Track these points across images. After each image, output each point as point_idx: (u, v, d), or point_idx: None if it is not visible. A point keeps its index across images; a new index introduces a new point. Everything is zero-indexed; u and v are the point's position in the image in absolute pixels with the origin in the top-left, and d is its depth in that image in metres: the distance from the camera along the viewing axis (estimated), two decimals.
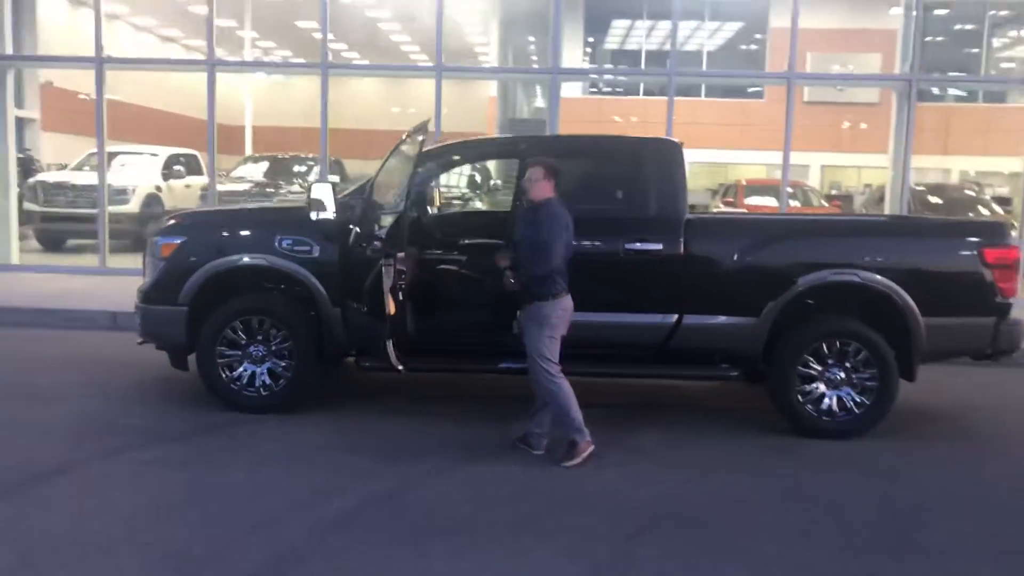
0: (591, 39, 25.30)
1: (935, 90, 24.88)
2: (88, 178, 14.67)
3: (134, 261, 7.68)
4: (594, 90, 26.97)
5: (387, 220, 5.49)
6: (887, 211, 12.76)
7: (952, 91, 25.95)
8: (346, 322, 5.67)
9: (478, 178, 14.65)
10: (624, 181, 5.88)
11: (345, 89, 29.30)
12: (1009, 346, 5.83)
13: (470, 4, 21.82)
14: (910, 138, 11.43)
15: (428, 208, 6.70)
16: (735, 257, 5.72)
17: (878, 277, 5.64)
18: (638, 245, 5.69)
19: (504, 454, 5.16)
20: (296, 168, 17.23)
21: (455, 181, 13.59)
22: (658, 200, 5.80)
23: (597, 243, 5.62)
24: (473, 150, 6.75)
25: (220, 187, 15.78)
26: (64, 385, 6.43)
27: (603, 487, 4.69)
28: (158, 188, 15.41)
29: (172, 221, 6.20)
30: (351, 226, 5.59)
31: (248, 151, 22.35)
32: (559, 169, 5.02)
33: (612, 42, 26.28)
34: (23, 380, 6.57)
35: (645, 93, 22.21)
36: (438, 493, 4.55)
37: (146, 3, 23.78)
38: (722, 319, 5.73)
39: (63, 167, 17.07)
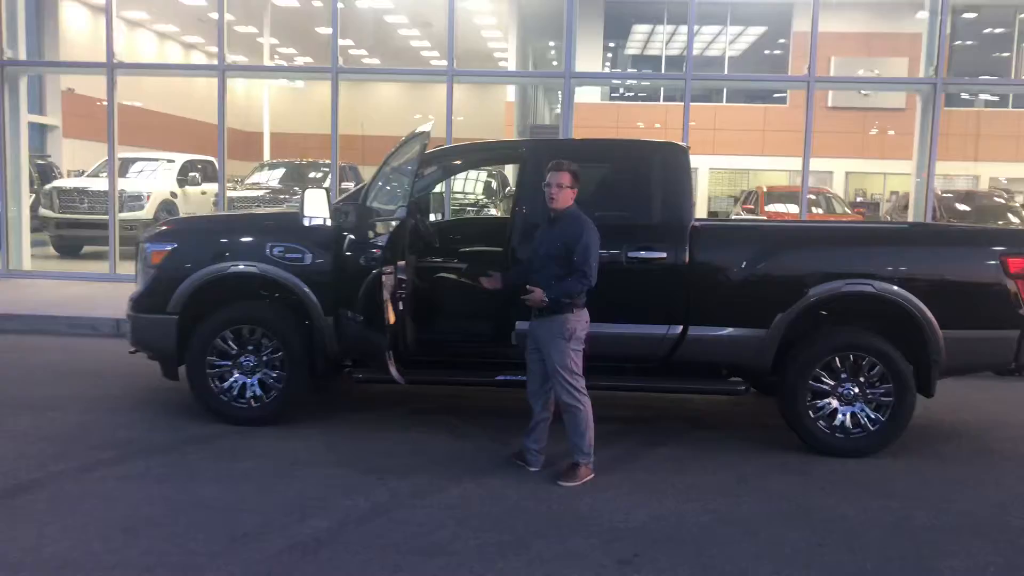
0: (611, 44, 25.09)
1: (964, 95, 24.42)
2: (104, 184, 14.70)
3: None
4: (616, 95, 26.76)
5: (382, 227, 5.33)
6: (911, 219, 12.40)
7: (983, 96, 25.40)
8: (339, 332, 5.51)
9: (479, 184, 14.46)
10: (628, 187, 5.67)
11: (365, 95, 29.35)
12: None
13: (488, 8, 21.72)
14: (935, 143, 11.10)
15: (424, 215, 6.50)
16: (743, 266, 5.48)
17: (894, 288, 5.37)
18: (642, 253, 5.47)
19: (499, 471, 4.96)
20: (312, 175, 17.17)
21: (456, 187, 13.42)
22: (663, 206, 5.58)
23: (600, 251, 5.39)
24: (471, 155, 6.57)
25: (234, 193, 15.82)
26: (55, 395, 6.33)
27: (599, 508, 4.47)
28: (173, 195, 15.40)
29: (163, 227, 6.07)
30: (345, 233, 5.43)
31: (266, 157, 22.38)
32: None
33: (633, 47, 26.03)
34: (14, 389, 6.47)
35: (665, 98, 21.96)
36: (424, 512, 4.35)
37: (168, 10, 23.89)
38: (729, 331, 5.49)
39: (80, 173, 17.15)
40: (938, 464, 5.38)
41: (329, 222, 5.36)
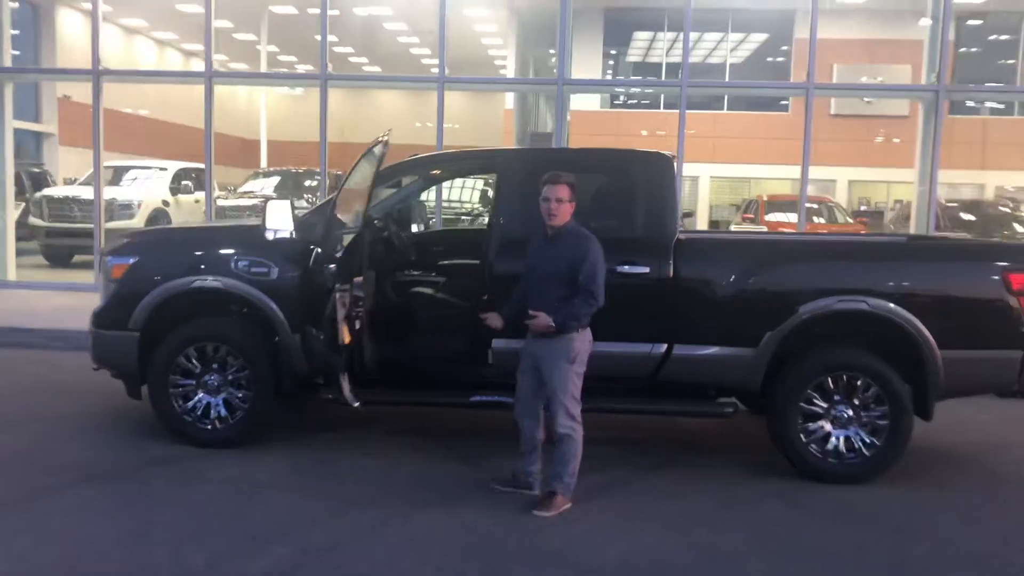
0: (612, 51, 24.84)
1: (970, 102, 24.09)
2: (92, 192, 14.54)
3: None
4: (618, 103, 26.53)
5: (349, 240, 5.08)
6: (914, 229, 12.12)
7: (988, 103, 25.07)
8: (307, 350, 5.25)
9: (474, 193, 14.18)
10: (609, 198, 5.42)
11: (364, 103, 29.18)
12: None
13: (489, 16, 21.52)
14: (937, 151, 10.82)
15: (394, 227, 6.25)
16: (730, 281, 5.21)
17: (890, 305, 5.09)
18: (624, 268, 5.19)
19: (470, 497, 4.70)
20: (308, 183, 16.96)
21: (451, 196, 13.14)
22: (646, 219, 5.32)
23: None
24: (446, 165, 6.30)
25: (227, 202, 15.63)
26: (17, 412, 6.09)
27: (574, 540, 4.20)
28: (165, 203, 15.21)
29: (125, 240, 5.83)
30: (312, 246, 5.18)
31: (263, 165, 22.18)
32: None
33: (634, 55, 25.77)
34: None
35: (666, 106, 21.65)
36: (387, 544, 4.09)
37: (167, 18, 23.73)
38: (716, 350, 5.22)
39: (73, 181, 16.98)
40: (937, 491, 5.10)
41: (293, 234, 5.11)
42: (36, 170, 17.96)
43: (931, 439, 5.80)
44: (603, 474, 5.10)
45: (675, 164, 5.45)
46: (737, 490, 4.99)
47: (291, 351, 5.29)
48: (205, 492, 4.67)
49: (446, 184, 12.88)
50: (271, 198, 5.20)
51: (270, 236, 5.11)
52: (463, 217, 13.58)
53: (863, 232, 14.69)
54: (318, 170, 17.23)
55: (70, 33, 22.05)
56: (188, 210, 15.41)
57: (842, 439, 5.14)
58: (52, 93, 20.97)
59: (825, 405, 5.13)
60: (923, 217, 11.13)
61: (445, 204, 12.43)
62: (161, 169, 15.88)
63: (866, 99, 22.33)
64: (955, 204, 17.01)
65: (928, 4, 12.58)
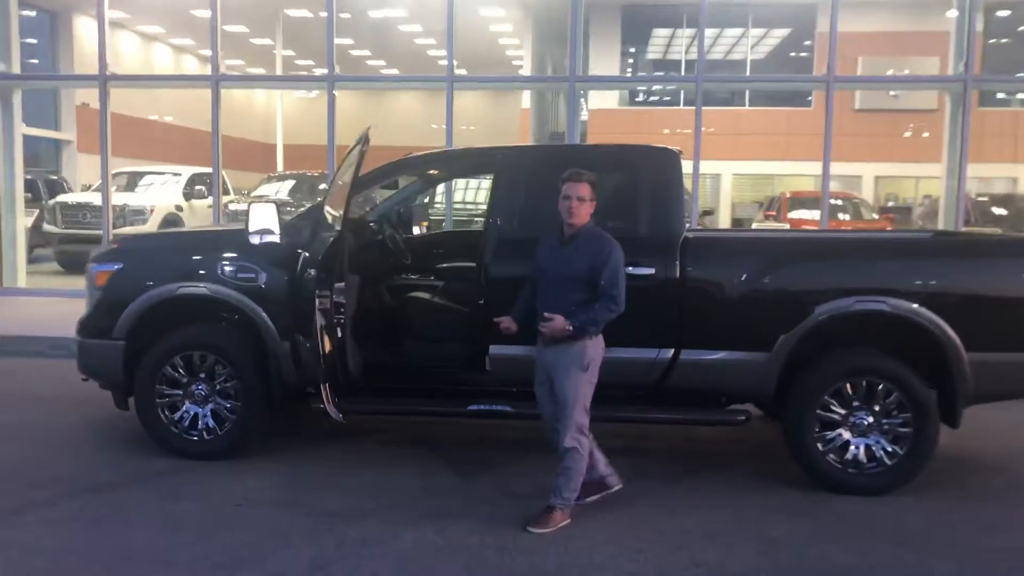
0: (630, 49, 24.48)
1: (1001, 94, 23.46)
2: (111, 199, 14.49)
3: None
4: (639, 100, 26.15)
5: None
6: (942, 224, 11.69)
7: (1021, 95, 24.37)
8: (296, 358, 5.04)
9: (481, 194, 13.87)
10: (612, 196, 5.13)
11: (382, 106, 29.06)
12: None
13: (505, 15, 21.28)
14: (966, 144, 10.41)
15: (389, 229, 6.01)
16: (741, 282, 4.92)
17: (913, 306, 4.77)
18: (628, 269, 4.86)
19: (464, 513, 4.45)
20: (323, 186, 16.83)
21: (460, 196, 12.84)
22: (651, 217, 5.04)
23: None
24: (441, 164, 6.04)
25: (239, 207, 15.53)
26: (7, 423, 5.94)
27: (569, 561, 3.93)
28: (178, 208, 15.15)
29: (111, 246, 5.66)
30: (299, 251, 4.96)
31: (280, 169, 22.11)
32: None
33: (653, 52, 25.39)
34: None
35: (686, 103, 21.26)
36: (371, 564, 3.85)
37: (183, 24, 23.77)
38: (727, 354, 4.94)
39: (89, 188, 16.99)
40: (963, 503, 4.77)
41: (279, 239, 4.89)
42: (53, 177, 18.00)
43: (957, 446, 5.47)
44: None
45: (681, 159, 5.16)
46: (748, 503, 4.69)
47: (280, 359, 5.07)
48: (185, 509, 4.46)
49: (460, 185, 12.66)
50: (269, 201, 4.95)
51: (255, 240, 4.90)
52: (476, 219, 13.35)
53: (888, 228, 14.26)
54: None
55: (89, 41, 22.12)
56: (202, 215, 15.34)
57: (862, 448, 4.83)
58: (70, 101, 21.05)
59: (843, 412, 4.83)
60: (952, 212, 10.72)
61: (459, 205, 12.21)
62: (175, 174, 15.83)
63: (892, 93, 21.79)
64: (985, 198, 16.52)
65: None
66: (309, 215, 5.17)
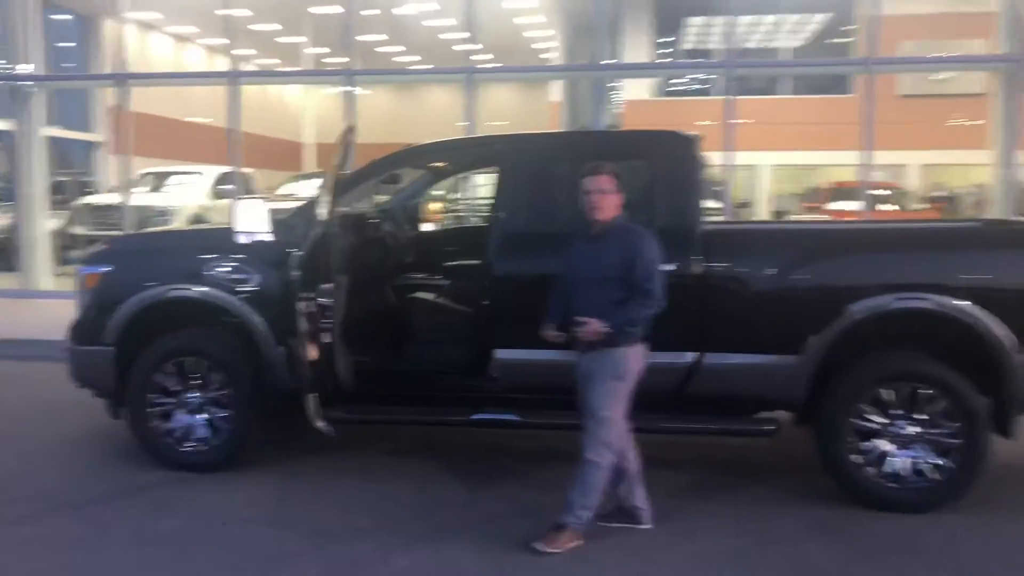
0: (663, 38, 23.86)
1: None
2: (137, 200, 14.43)
3: None
4: (676, 90, 25.50)
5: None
6: (993, 214, 11.06)
7: None
8: (292, 364, 4.73)
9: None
10: (626, 186, 4.73)
11: (411, 101, 28.86)
12: None
13: (535, 6, 20.85)
14: (1017, 129, 9.79)
15: (390, 226, 5.70)
16: (769, 278, 4.51)
17: (960, 303, 4.32)
18: None
19: (463, 533, 4.11)
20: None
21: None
22: (669, 209, 4.64)
23: None
24: (434, 155, 5.64)
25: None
26: (3, 433, 5.73)
27: None
28: (204, 208, 15.03)
29: (102, 247, 5.42)
30: (292, 250, 4.66)
31: (309, 167, 21.98)
32: None
33: (687, 41, 24.75)
34: None
35: (721, 93, 20.66)
36: None
37: (216, 24, 23.79)
38: (753, 358, 4.53)
39: (116, 189, 16.98)
40: (1018, 521, 4.30)
41: (269, 237, 4.60)
42: (85, 179, 18.06)
43: (1009, 456, 4.98)
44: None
45: (699, 145, 4.75)
46: (776, 521, 4.29)
47: (275, 365, 4.78)
48: (170, 526, 4.19)
49: (482, 179, 12.29)
50: (242, 198, 4.66)
51: (244, 239, 4.61)
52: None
53: (934, 219, 13.61)
54: None
55: (118, 43, 22.22)
56: (228, 214, 15.23)
57: (903, 460, 4.39)
58: (102, 103, 21.11)
59: (882, 421, 4.39)
60: (1004, 201, 10.12)
61: (482, 200, 11.84)
62: (199, 174, 15.75)
63: (939, 76, 20.89)
64: None
65: None
66: (303, 212, 4.87)
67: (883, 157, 9.97)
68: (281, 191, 16.44)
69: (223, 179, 15.69)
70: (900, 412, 4.38)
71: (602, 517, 4.18)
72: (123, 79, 10.85)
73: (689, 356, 4.56)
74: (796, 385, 4.49)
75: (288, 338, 4.70)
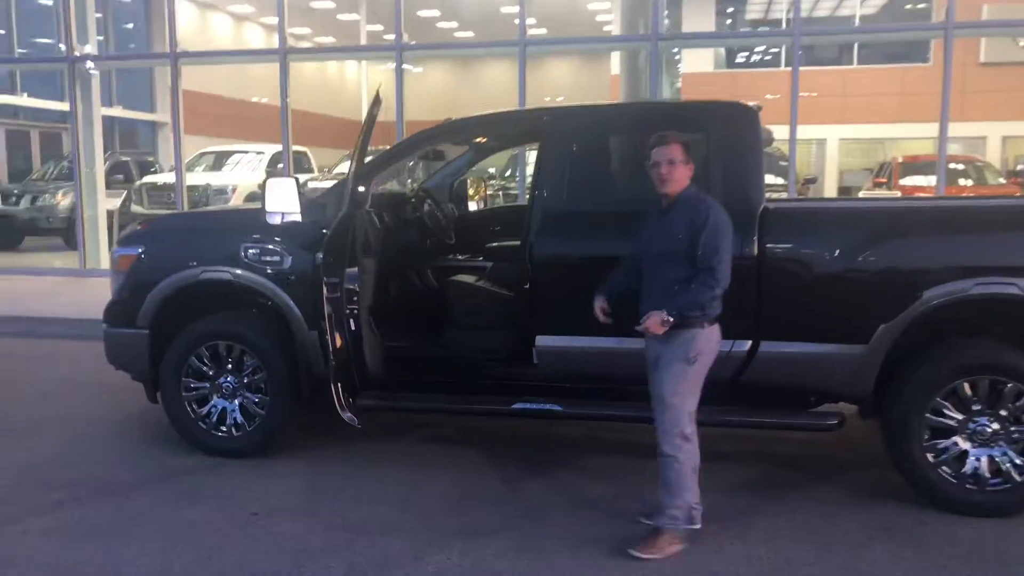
0: (728, 9, 23.05)
1: None
2: (193, 179, 14.58)
3: None
4: (740, 62, 24.67)
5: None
6: None
7: None
8: (326, 349, 4.56)
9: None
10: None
11: (473, 77, 28.56)
12: None
13: None
14: None
15: (429, 206, 5.45)
16: (833, 260, 4.14)
17: None
18: None
19: (502, 530, 3.88)
20: (408, 163, 16.49)
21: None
22: (724, 186, 4.27)
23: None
24: (471, 130, 5.31)
25: (318, 184, 15.35)
26: (45, 416, 5.70)
27: None
28: (261, 186, 15.04)
29: (136, 228, 5.32)
30: (324, 230, 4.47)
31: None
32: None
33: (753, 11, 23.86)
34: (7, 407, 5.94)
35: (787, 64, 19.83)
36: None
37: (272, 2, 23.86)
38: (815, 347, 4.17)
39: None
40: None
41: (299, 217, 4.41)
42: (148, 159, 18.33)
43: None
44: None
45: (759, 117, 4.39)
46: (838, 523, 3.95)
47: (308, 349, 4.61)
48: (196, 516, 4.06)
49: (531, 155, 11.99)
50: (272, 176, 4.47)
51: (276, 220, 4.44)
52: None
53: (1017, 195, 12.81)
54: None
55: (180, 23, 22.47)
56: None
57: (984, 460, 3.99)
58: (165, 83, 21.39)
59: (960, 417, 4.01)
60: None
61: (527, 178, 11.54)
62: (258, 153, 15.81)
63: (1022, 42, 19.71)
64: None
65: None
66: (335, 191, 4.67)
67: (961, 129, 9.33)
68: (337, 170, 16.40)
69: (279, 158, 15.72)
70: (979, 407, 3.99)
71: (646, 514, 3.91)
72: (175, 58, 10.78)
73: (744, 344, 4.22)
74: (863, 377, 4.13)
75: (320, 322, 4.53)
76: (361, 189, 4.57)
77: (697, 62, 21.32)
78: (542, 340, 4.38)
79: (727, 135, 4.35)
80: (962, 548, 3.69)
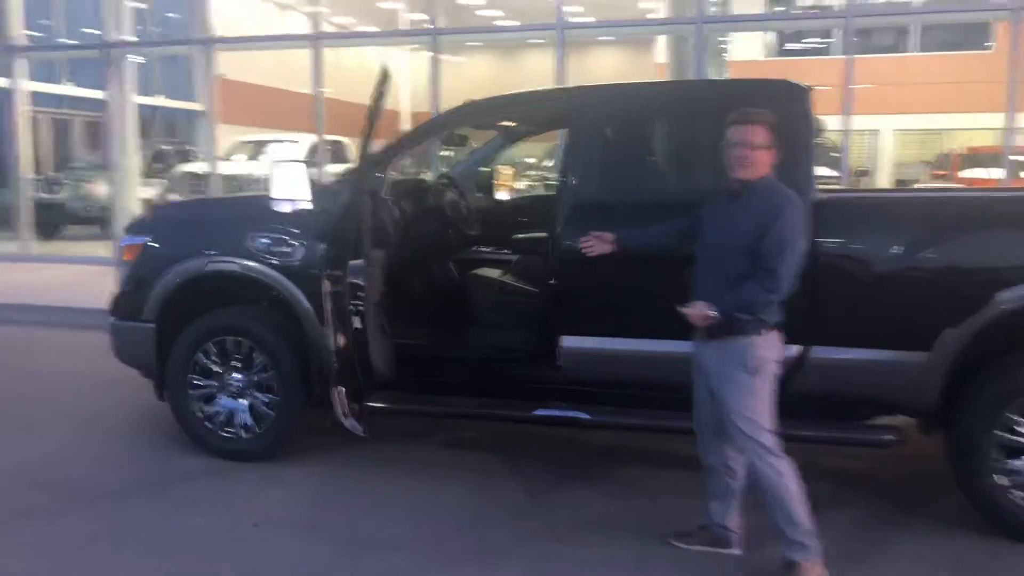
0: None
1: None
2: (231, 168, 14.49)
3: None
4: (791, 50, 23.86)
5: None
6: None
7: None
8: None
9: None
10: (716, 148, 4.01)
11: (516, 66, 28.13)
12: None
13: None
14: None
15: (452, 195, 5.12)
16: (893, 257, 3.73)
17: None
18: None
19: (520, 549, 3.56)
20: (447, 152, 16.21)
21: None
22: (773, 172, 3.87)
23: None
24: (492, 112, 4.94)
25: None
26: (51, 413, 5.45)
27: None
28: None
29: (142, 216, 5.08)
30: None
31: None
32: None
33: None
34: (17, 402, 5.74)
35: (841, 51, 19.08)
36: None
37: None
38: (871, 353, 3.76)
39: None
40: None
41: (310, 205, 4.11)
42: (187, 148, 18.32)
43: None
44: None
45: (811, 98, 3.97)
46: (897, 549, 3.54)
47: (318, 348, 4.32)
48: (195, 526, 3.79)
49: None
50: (280, 161, 4.18)
51: (285, 208, 4.15)
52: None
53: None
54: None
55: (220, 9, 22.42)
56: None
57: None
58: (203, 72, 21.38)
59: None
60: None
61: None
62: (292, 142, 15.69)
63: None
64: None
65: None
66: (348, 178, 4.36)
67: (1015, 117, 8.70)
68: None
69: (317, 147, 15.57)
70: None
71: (681, 536, 3.56)
72: (207, 44, 10.61)
73: (792, 350, 3.82)
74: (926, 387, 3.71)
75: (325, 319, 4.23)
76: (378, 175, 4.27)
77: (746, 49, 20.62)
78: (566, 341, 4.03)
79: (776, 116, 3.92)
80: None
